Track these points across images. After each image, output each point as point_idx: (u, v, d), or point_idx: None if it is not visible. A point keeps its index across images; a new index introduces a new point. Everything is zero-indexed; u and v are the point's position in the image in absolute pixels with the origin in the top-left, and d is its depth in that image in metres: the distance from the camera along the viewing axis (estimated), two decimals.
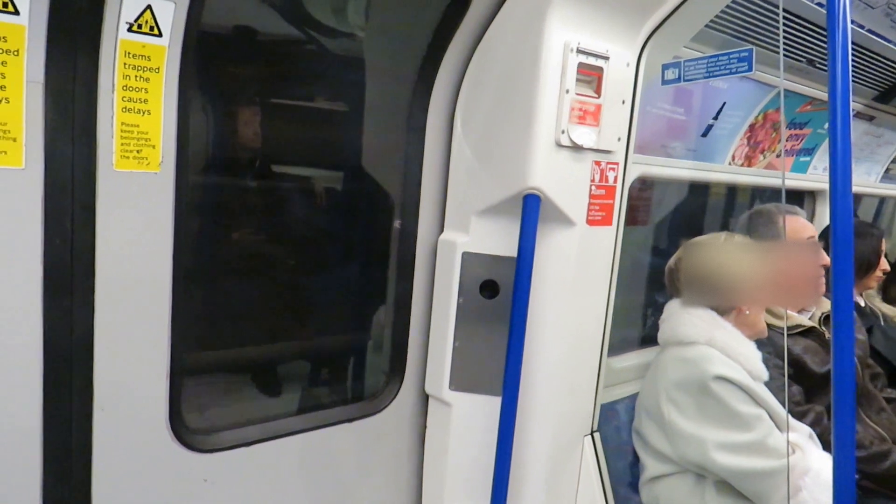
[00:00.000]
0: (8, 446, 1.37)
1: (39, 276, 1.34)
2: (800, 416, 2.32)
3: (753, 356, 2.06)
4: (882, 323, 3.30)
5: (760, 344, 2.18)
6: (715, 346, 2.02)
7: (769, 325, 2.30)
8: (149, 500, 1.59)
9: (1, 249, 1.29)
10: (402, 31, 1.89)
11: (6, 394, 1.35)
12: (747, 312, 2.15)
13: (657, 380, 2.06)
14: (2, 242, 1.29)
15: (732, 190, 3.54)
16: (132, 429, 1.52)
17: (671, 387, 2.00)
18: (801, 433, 2.14)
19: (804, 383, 2.46)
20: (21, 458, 1.39)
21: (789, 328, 2.55)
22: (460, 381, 1.94)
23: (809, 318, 2.65)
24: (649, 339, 2.67)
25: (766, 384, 2.08)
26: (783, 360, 2.38)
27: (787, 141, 3.19)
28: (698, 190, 3.36)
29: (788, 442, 1.94)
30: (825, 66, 2.74)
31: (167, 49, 1.39)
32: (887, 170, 4.41)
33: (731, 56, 1.76)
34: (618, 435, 2.29)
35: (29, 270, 1.33)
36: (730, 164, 2.93)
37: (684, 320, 2.09)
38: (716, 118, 2.63)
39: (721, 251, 2.18)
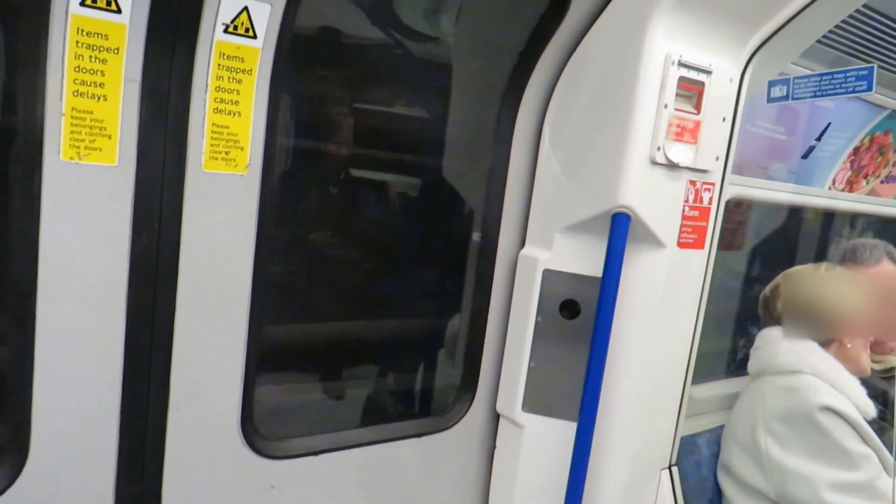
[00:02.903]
0: (85, 439, 1.39)
1: (126, 272, 1.35)
2: None
3: (859, 389, 1.94)
4: None
5: None
6: (820, 375, 1.90)
7: None
8: (217, 503, 1.58)
9: (90, 245, 1.31)
10: (494, 37, 1.84)
11: (86, 388, 1.36)
12: (849, 346, 2.06)
13: (753, 410, 1.95)
14: (91, 238, 1.31)
15: (829, 216, 3.34)
16: (205, 430, 1.52)
17: (771, 417, 1.89)
18: None
19: None
20: (97, 452, 1.41)
21: (886, 371, 2.39)
22: (534, 403, 1.87)
23: None
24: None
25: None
26: (881, 402, 2.23)
27: (893, 166, 2.98)
28: (791, 214, 3.18)
29: None
30: None
31: (261, 51, 1.38)
32: None
33: (848, 74, 1.64)
34: (697, 470, 2.16)
35: (116, 266, 1.34)
36: (829, 188, 2.76)
37: (784, 349, 1.99)
38: (818, 139, 2.47)
39: (824, 281, 2.11)
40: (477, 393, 1.97)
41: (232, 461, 1.58)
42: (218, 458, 1.56)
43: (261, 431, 1.62)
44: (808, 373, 1.93)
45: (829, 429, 1.81)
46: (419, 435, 1.90)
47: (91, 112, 1.24)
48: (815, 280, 2.13)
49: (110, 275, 1.34)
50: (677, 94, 1.63)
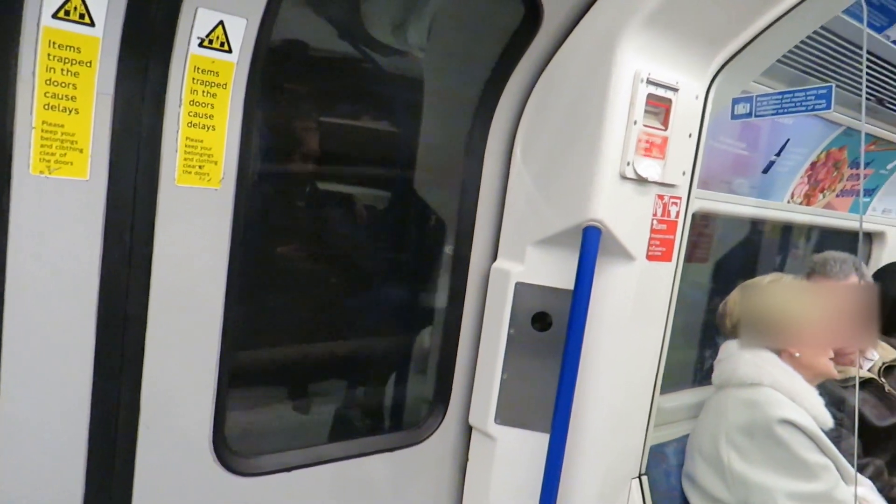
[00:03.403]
0: (52, 459, 1.35)
1: (96, 288, 1.32)
2: (859, 470, 2.22)
3: (817, 400, 1.99)
4: None
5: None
6: (779, 388, 1.94)
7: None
8: None
9: (59, 260, 1.28)
10: (466, 53, 1.86)
11: (54, 406, 1.33)
12: (797, 355, 2.10)
13: (716, 422, 1.99)
14: (61, 253, 1.28)
15: (788, 229, 3.44)
16: (176, 448, 1.50)
17: (732, 430, 1.92)
18: (864, 486, 2.05)
19: (862, 436, 2.35)
20: (64, 471, 1.37)
21: (846, 380, 2.46)
22: (506, 415, 1.88)
23: (868, 370, 2.54)
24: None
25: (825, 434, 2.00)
26: (840, 412, 2.29)
27: (847, 181, 3.08)
28: (750, 227, 3.27)
29: (857, 497, 1.85)
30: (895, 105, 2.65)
31: (236, 65, 1.37)
32: None
33: (808, 93, 1.70)
34: (666, 479, 2.20)
35: (86, 282, 1.32)
36: (788, 201, 2.85)
37: (745, 360, 2.03)
38: (778, 154, 2.55)
39: (777, 292, 2.17)
40: (449, 406, 1.97)
41: (203, 479, 1.55)
42: (189, 476, 1.53)
43: (233, 448, 1.60)
44: (768, 385, 1.97)
45: (787, 441, 1.85)
46: (392, 449, 1.89)
47: (62, 125, 1.22)
48: (768, 291, 2.19)
49: (80, 291, 1.31)
50: (646, 111, 1.67)
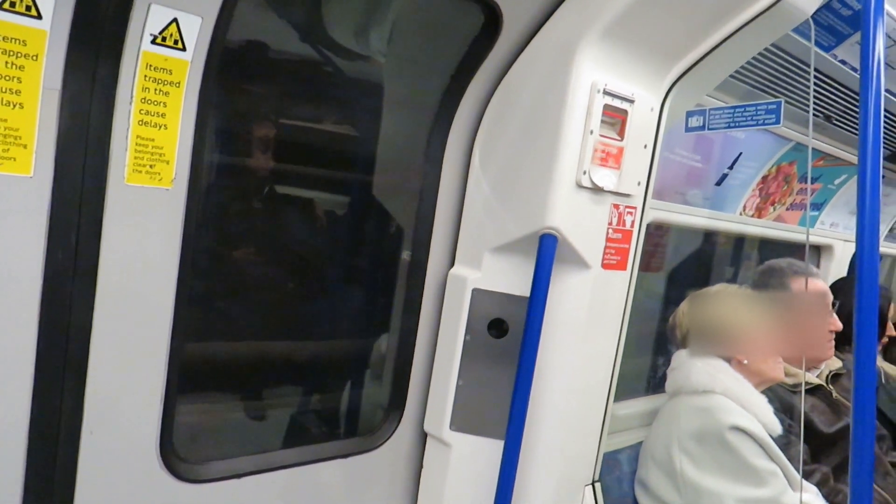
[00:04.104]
0: None
1: (38, 288, 1.28)
2: (806, 476, 2.27)
3: (766, 407, 2.03)
4: (885, 383, 3.25)
5: (768, 400, 2.15)
6: (730, 395, 1.99)
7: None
8: None
9: (1, 259, 1.24)
10: (426, 59, 1.86)
11: None
12: (745, 362, 2.14)
13: (668, 429, 2.01)
14: (3, 252, 1.24)
15: (740, 240, 3.52)
16: (120, 455, 1.45)
17: (685, 436, 1.95)
18: (810, 492, 2.09)
19: (810, 442, 2.41)
20: (2, 475, 1.32)
21: (795, 385, 2.52)
22: (461, 422, 1.88)
23: (817, 376, 2.60)
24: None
25: (773, 441, 2.04)
26: (790, 417, 2.35)
27: (797, 195, 3.17)
28: (704, 238, 3.34)
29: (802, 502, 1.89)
30: (842, 122, 2.74)
31: (189, 64, 1.35)
32: (891, 229, 4.41)
33: (759, 107, 1.74)
34: (619, 486, 2.22)
35: (27, 282, 1.27)
36: (741, 214, 2.91)
37: (697, 369, 2.07)
38: (731, 167, 2.61)
39: (725, 301, 2.23)
40: (405, 412, 1.96)
41: (150, 486, 1.51)
42: (135, 483, 1.49)
43: (180, 455, 1.56)
44: (720, 392, 2.01)
45: (737, 447, 1.89)
46: (346, 455, 1.87)
47: (5, 120, 1.18)
48: (715, 301, 2.25)
49: (22, 291, 1.27)
50: (602, 121, 1.69)
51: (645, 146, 1.83)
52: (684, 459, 1.94)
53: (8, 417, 1.30)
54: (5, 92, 1.17)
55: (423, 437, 1.99)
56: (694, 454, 1.94)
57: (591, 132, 1.67)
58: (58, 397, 1.35)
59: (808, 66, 2.11)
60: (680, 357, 2.19)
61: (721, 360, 2.12)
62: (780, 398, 2.34)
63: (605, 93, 1.67)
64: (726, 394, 2.01)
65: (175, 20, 1.30)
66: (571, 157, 1.67)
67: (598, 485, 2.07)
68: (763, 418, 2.00)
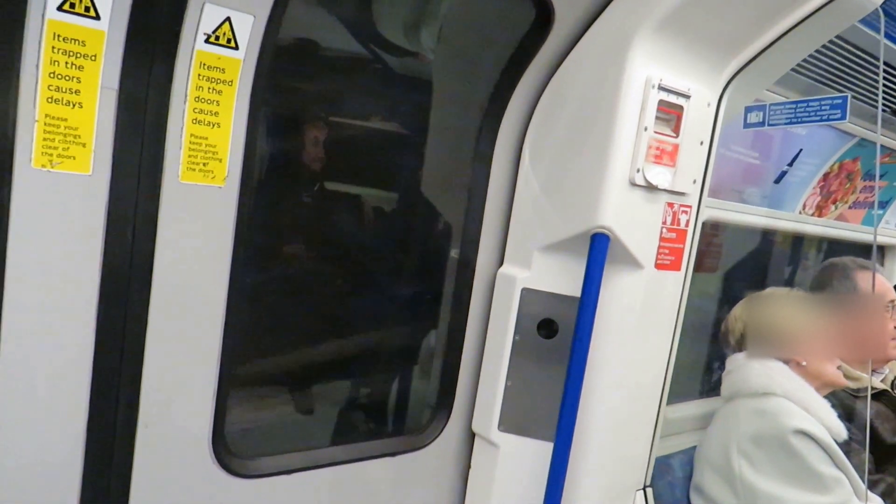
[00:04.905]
0: (48, 456, 1.33)
1: (97, 284, 1.31)
2: (870, 486, 2.18)
3: (830, 411, 1.97)
4: None
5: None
6: (791, 398, 1.92)
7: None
8: None
9: (60, 256, 1.27)
10: (476, 56, 1.84)
11: (52, 403, 1.32)
12: (804, 364, 2.09)
13: (726, 432, 1.97)
14: (62, 248, 1.27)
15: (798, 240, 3.40)
16: (175, 448, 1.48)
17: (745, 440, 1.90)
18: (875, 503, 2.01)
19: (872, 451, 2.31)
20: (60, 469, 1.36)
21: (858, 390, 2.43)
22: (510, 423, 1.86)
23: (881, 381, 2.50)
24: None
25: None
26: (851, 423, 2.26)
27: (860, 193, 3.04)
28: (762, 238, 3.23)
29: None
30: None
31: (242, 62, 1.36)
32: None
33: (823, 102, 1.67)
34: (671, 491, 2.17)
35: (86, 278, 1.30)
36: (800, 212, 2.81)
37: (755, 371, 2.01)
38: (790, 164, 2.52)
39: (783, 301, 2.20)
40: (452, 412, 1.94)
41: (202, 480, 1.53)
42: (188, 476, 1.51)
43: (232, 450, 1.58)
44: (780, 395, 1.95)
45: (801, 452, 1.83)
46: (393, 454, 1.87)
47: (65, 119, 1.21)
48: (774, 302, 2.21)
49: (80, 287, 1.30)
50: (657, 118, 1.65)
51: (701, 143, 1.78)
52: (743, 463, 1.89)
53: (67, 410, 1.34)
54: (65, 92, 1.20)
55: (471, 437, 1.97)
56: (753, 458, 1.88)
57: (646, 129, 1.63)
58: (114, 392, 1.38)
59: (877, 58, 2.01)
60: (736, 360, 2.14)
61: (779, 362, 2.05)
62: (842, 403, 2.25)
63: (661, 88, 1.62)
64: (787, 396, 1.95)
65: (228, 19, 1.31)
66: (625, 154, 1.63)
67: (649, 490, 2.03)
68: (827, 422, 1.93)
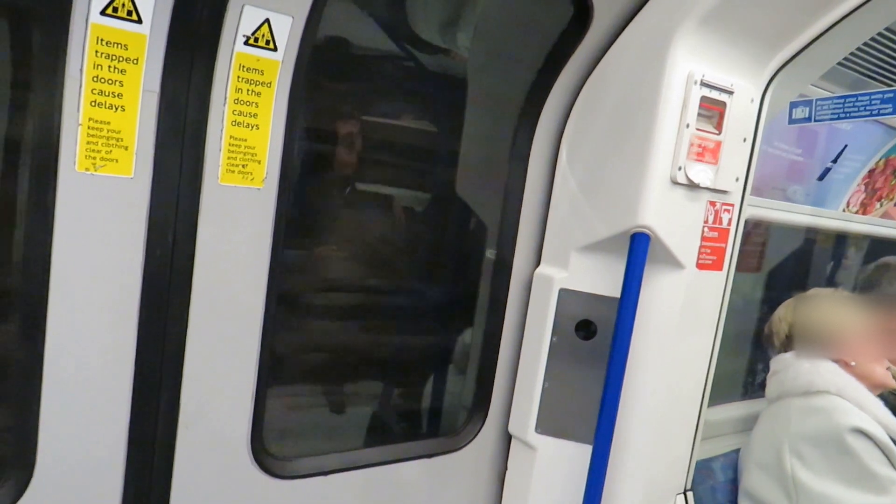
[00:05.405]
0: (92, 456, 1.35)
1: (139, 286, 1.32)
2: None
3: (884, 409, 1.92)
4: None
5: None
6: (845, 396, 1.87)
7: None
8: None
9: (103, 257, 1.28)
10: (512, 54, 1.82)
11: (95, 403, 1.33)
12: (853, 364, 2.05)
13: (775, 432, 1.93)
14: (105, 250, 1.28)
15: (840, 238, 3.31)
16: (214, 448, 1.49)
17: (797, 439, 1.86)
18: None
19: None
20: (104, 468, 1.37)
21: None
22: (547, 425, 1.83)
23: None
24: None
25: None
26: None
27: None
28: (802, 236, 3.15)
29: None
30: None
31: (281, 64, 1.36)
32: None
33: (873, 96, 1.62)
34: (713, 496, 2.12)
35: (128, 280, 1.32)
36: (844, 210, 2.74)
37: (806, 369, 1.97)
38: (835, 161, 2.45)
39: (832, 301, 2.17)
40: (489, 413, 1.93)
41: (241, 480, 1.54)
42: (227, 476, 1.52)
43: (270, 451, 1.59)
44: (834, 393, 1.91)
45: (858, 451, 1.79)
46: (430, 455, 1.86)
47: (108, 123, 1.22)
48: (823, 301, 2.18)
49: (123, 288, 1.32)
50: (699, 114, 1.61)
51: (744, 140, 1.74)
52: (796, 463, 1.85)
53: (110, 411, 1.35)
54: (108, 95, 1.21)
55: (508, 438, 1.95)
56: (808, 458, 1.84)
57: (687, 126, 1.59)
58: (156, 392, 1.39)
59: None
60: (783, 360, 2.10)
61: (829, 361, 2.02)
62: (893, 406, 2.19)
63: (703, 84, 1.59)
64: (841, 394, 1.90)
65: (267, 20, 1.31)
66: (666, 152, 1.60)
67: (690, 494, 1.99)
68: (884, 420, 1.88)
